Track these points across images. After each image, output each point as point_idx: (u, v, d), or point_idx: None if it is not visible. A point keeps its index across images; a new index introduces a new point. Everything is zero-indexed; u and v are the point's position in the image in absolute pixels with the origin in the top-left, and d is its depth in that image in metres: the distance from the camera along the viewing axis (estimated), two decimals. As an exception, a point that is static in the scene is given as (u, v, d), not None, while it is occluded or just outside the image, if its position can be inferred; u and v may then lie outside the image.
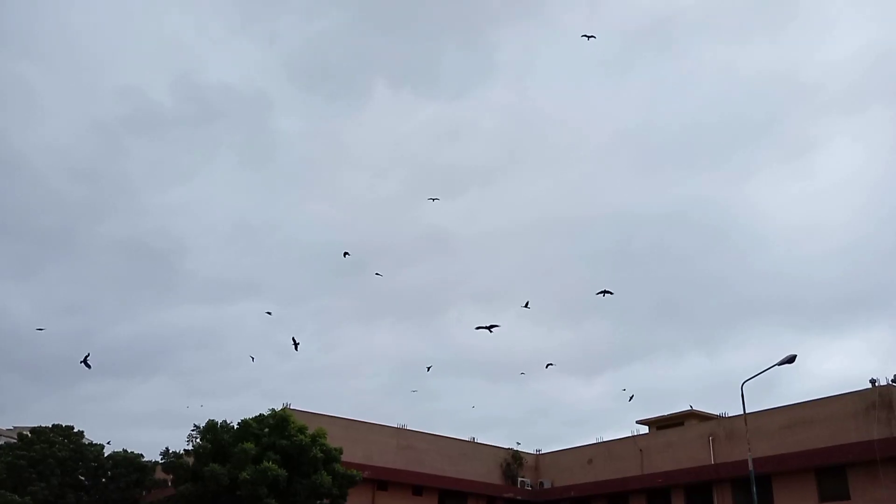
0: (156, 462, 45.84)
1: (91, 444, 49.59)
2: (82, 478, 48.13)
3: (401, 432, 46.44)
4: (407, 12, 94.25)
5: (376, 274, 37.30)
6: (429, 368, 36.32)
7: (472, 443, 49.99)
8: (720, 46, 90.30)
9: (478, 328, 31.95)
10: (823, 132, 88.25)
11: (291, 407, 38.44)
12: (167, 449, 33.95)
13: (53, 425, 48.98)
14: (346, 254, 36.04)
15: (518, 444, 51.17)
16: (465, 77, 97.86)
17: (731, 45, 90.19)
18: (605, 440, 47.44)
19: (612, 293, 33.55)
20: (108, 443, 50.31)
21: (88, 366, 32.28)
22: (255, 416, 32.68)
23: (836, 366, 78.27)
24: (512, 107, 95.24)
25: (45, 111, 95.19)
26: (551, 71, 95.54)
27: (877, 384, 34.53)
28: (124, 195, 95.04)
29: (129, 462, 49.01)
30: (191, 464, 32.20)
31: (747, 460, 30.19)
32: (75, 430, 49.48)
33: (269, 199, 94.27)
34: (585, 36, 33.26)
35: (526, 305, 36.42)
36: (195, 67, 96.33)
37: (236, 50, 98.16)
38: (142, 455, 50.20)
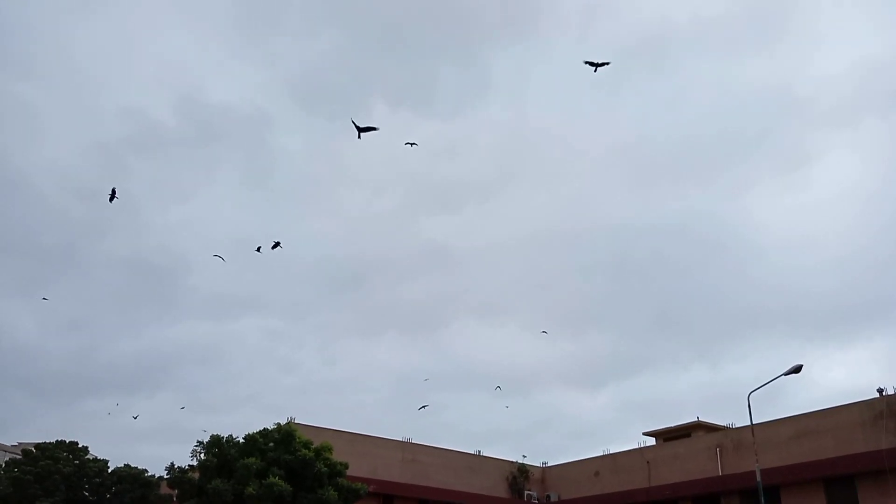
0: (160, 477, 45.75)
1: (95, 459, 49.44)
2: (87, 493, 47.97)
3: (406, 446, 46.26)
4: (403, 34, 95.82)
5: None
6: None
7: (478, 456, 49.77)
8: (712, 62, 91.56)
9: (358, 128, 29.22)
10: (818, 145, 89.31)
11: (296, 421, 38.33)
12: (172, 464, 33.80)
13: (57, 441, 48.87)
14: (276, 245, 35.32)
15: (524, 456, 51.03)
16: (461, 96, 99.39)
17: (723, 61, 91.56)
18: (611, 452, 47.26)
19: (606, 63, 27.56)
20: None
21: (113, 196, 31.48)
22: (260, 431, 32.56)
23: (839, 375, 78.04)
24: (508, 124, 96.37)
25: (48, 132, 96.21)
26: (545, 89, 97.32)
27: (884, 393, 34.38)
28: (126, 213, 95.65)
29: (133, 478, 48.81)
30: (196, 479, 32.07)
31: (755, 471, 30.01)
32: (80, 446, 49.37)
33: (270, 215, 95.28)
34: None
35: None
36: (196, 88, 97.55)
37: (236, 71, 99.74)
38: (146, 470, 50.03)
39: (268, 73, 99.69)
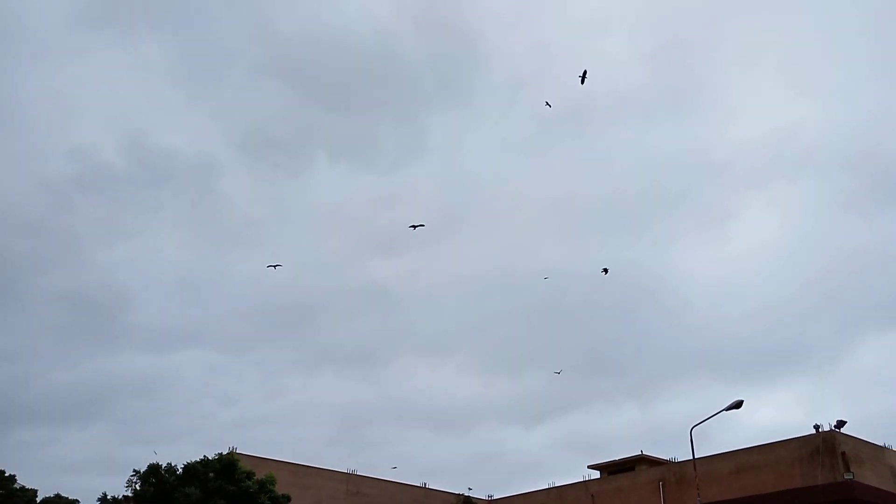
0: (92, 508, 44.05)
1: (23, 488, 47.35)
2: (12, 525, 45.81)
3: (350, 478, 45.54)
4: (345, 92, 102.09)
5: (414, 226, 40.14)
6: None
7: (424, 488, 49.28)
8: (631, 130, 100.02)
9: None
10: (735, 204, 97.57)
11: (238, 451, 37.44)
12: (104, 494, 32.57)
13: (-17, 469, 46.68)
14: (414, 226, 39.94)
15: (470, 489, 50.63)
16: (400, 153, 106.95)
17: (641, 129, 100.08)
18: (557, 485, 47.30)
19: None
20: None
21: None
22: (201, 460, 31.67)
23: (765, 417, 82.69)
24: (445, 178, 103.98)
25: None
26: (479, 150, 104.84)
27: (820, 430, 35.37)
28: (69, 250, 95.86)
29: (63, 508, 46.89)
30: (130, 510, 30.95)
31: (697, 505, 30.44)
32: (7, 475, 47.24)
33: (213, 256, 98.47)
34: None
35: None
36: (144, 132, 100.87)
37: (184, 120, 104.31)
38: (77, 501, 48.11)
39: (214, 121, 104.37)
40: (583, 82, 36.27)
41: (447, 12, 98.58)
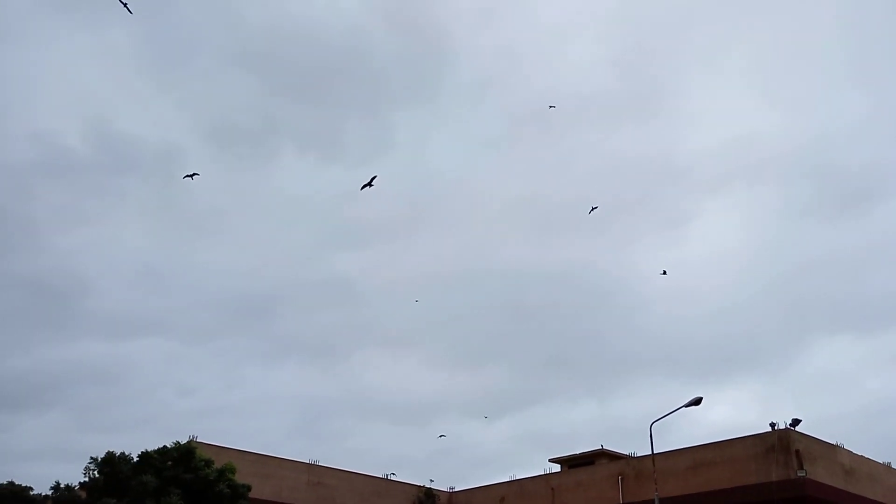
0: (46, 496, 43.20)
1: (-26, 475, 46.25)
2: (-38, 512, 44.76)
3: (312, 468, 45.31)
4: (314, 84, 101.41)
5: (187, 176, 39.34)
6: None
7: (385, 480, 49.25)
8: (594, 132, 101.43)
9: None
10: (694, 208, 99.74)
11: (198, 440, 36.98)
12: (58, 483, 31.98)
13: (-68, 455, 45.49)
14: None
15: (431, 481, 50.82)
16: (367, 150, 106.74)
17: (604, 132, 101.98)
18: (517, 478, 47.68)
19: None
20: None
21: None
22: (158, 448, 31.21)
23: (721, 415, 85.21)
24: (412, 175, 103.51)
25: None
26: (445, 149, 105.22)
27: (776, 427, 36.14)
28: (27, 235, 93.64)
29: (15, 495, 45.81)
30: (83, 497, 30.42)
31: (654, 500, 30.89)
32: (-43, 461, 46.10)
33: (177, 245, 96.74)
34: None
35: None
36: (108, 119, 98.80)
37: (150, 107, 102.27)
38: (31, 488, 47.12)
39: (180, 110, 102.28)
40: (590, 212, 42.63)
41: (417, 9, 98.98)
